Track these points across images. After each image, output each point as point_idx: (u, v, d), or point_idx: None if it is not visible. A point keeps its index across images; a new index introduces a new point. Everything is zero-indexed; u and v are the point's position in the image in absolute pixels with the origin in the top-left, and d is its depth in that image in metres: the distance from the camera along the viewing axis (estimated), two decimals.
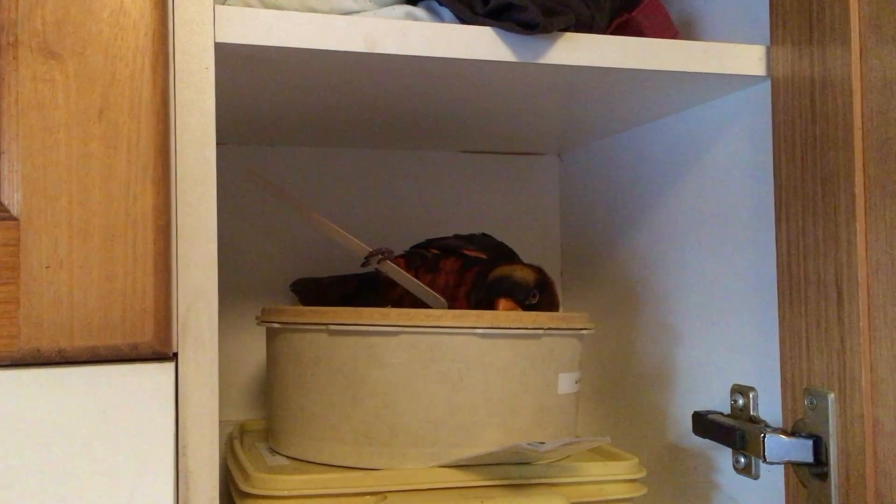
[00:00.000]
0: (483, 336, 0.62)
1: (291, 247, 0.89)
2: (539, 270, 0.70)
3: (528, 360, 0.63)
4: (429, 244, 0.75)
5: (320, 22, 0.51)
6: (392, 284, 0.72)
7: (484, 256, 0.72)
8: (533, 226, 0.96)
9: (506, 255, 0.74)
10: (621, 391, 0.82)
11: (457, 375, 0.61)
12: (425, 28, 0.53)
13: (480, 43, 0.54)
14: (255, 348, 0.86)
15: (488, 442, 0.62)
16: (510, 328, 0.62)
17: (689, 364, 0.72)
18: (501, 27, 0.54)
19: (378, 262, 0.69)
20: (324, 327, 0.62)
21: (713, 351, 0.69)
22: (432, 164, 0.93)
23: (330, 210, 0.90)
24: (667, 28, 0.66)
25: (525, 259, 0.74)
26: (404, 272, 0.70)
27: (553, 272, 0.96)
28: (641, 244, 0.80)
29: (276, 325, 0.66)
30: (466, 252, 0.72)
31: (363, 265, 0.70)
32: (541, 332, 0.63)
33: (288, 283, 0.86)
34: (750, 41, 0.61)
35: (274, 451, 0.67)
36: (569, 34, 0.56)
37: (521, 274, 0.68)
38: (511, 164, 0.96)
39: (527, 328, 0.63)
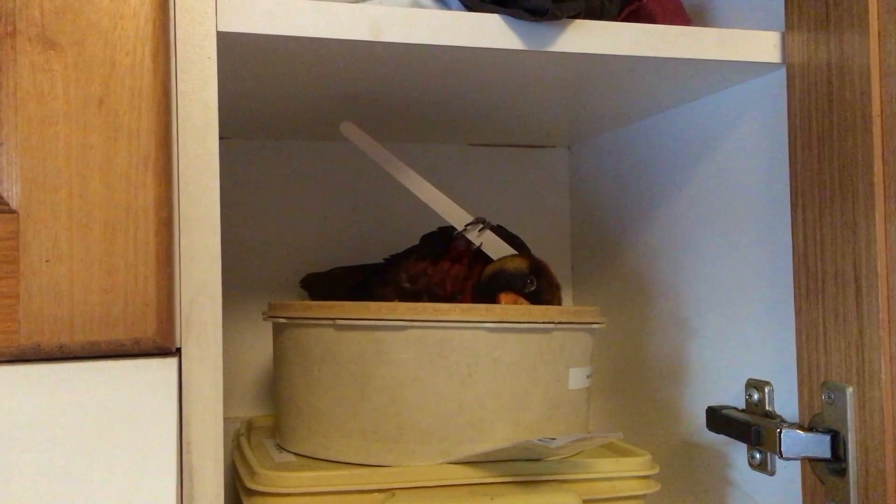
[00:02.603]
0: (492, 330, 0.61)
1: (298, 242, 0.88)
2: (529, 257, 0.69)
3: (538, 354, 0.62)
4: (441, 232, 0.74)
5: (324, 10, 0.51)
6: (402, 275, 0.72)
7: None
8: (543, 219, 0.95)
9: (518, 247, 0.73)
10: (633, 386, 0.81)
11: (466, 370, 0.60)
12: (431, 16, 0.52)
13: (487, 31, 0.53)
14: (262, 344, 0.85)
15: (498, 438, 0.61)
16: (520, 322, 0.61)
17: (702, 358, 0.71)
18: (509, 14, 0.53)
19: (479, 232, 0.68)
20: (330, 322, 0.62)
21: (727, 344, 0.67)
22: (440, 157, 0.92)
23: (336, 204, 0.89)
24: (678, 15, 0.64)
25: (536, 253, 0.73)
26: (502, 241, 0.69)
27: (563, 266, 0.95)
28: (654, 236, 0.78)
29: (282, 321, 0.66)
30: None
31: (456, 235, 0.69)
32: (551, 326, 0.62)
33: (295, 278, 0.86)
34: (764, 27, 0.60)
35: (281, 448, 0.67)
36: (578, 21, 0.55)
37: (513, 264, 0.67)
38: (520, 156, 0.95)
39: (537, 322, 0.62)
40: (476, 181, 0.93)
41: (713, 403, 0.64)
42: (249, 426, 0.76)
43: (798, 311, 0.57)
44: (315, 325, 0.63)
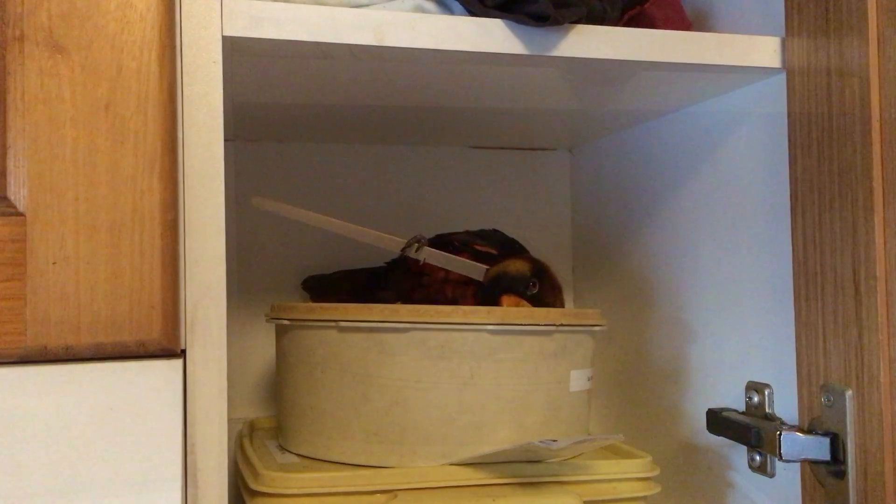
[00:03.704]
0: (494, 332, 0.61)
1: (301, 243, 0.88)
2: (531, 259, 0.69)
3: (539, 356, 0.63)
4: (439, 239, 0.75)
5: (329, 15, 0.51)
6: (403, 275, 0.72)
7: (494, 252, 0.71)
8: (544, 222, 0.95)
9: (516, 251, 0.73)
10: (634, 388, 0.82)
11: (468, 372, 0.61)
12: (434, 21, 0.53)
13: (490, 36, 0.54)
14: (264, 346, 0.85)
15: (500, 440, 0.61)
16: (521, 325, 0.62)
17: (702, 360, 0.71)
18: (512, 19, 0.54)
19: (416, 251, 0.69)
20: (333, 324, 0.62)
21: (727, 347, 0.68)
22: (442, 159, 0.93)
23: (338, 206, 0.90)
24: (679, 20, 0.65)
25: (537, 255, 0.74)
26: (444, 253, 0.70)
27: (564, 268, 0.95)
28: (654, 240, 0.79)
29: (285, 322, 0.66)
30: (476, 247, 0.71)
31: (400, 259, 0.70)
32: (553, 328, 0.63)
33: (298, 280, 0.86)
34: (764, 32, 0.60)
35: (284, 449, 0.67)
36: (580, 26, 0.55)
37: (515, 267, 0.67)
38: (522, 159, 0.95)
39: (538, 325, 0.62)
40: (478, 184, 0.93)
41: (713, 406, 0.65)
42: (252, 427, 0.76)
43: (798, 314, 0.57)
44: (318, 327, 0.63)
